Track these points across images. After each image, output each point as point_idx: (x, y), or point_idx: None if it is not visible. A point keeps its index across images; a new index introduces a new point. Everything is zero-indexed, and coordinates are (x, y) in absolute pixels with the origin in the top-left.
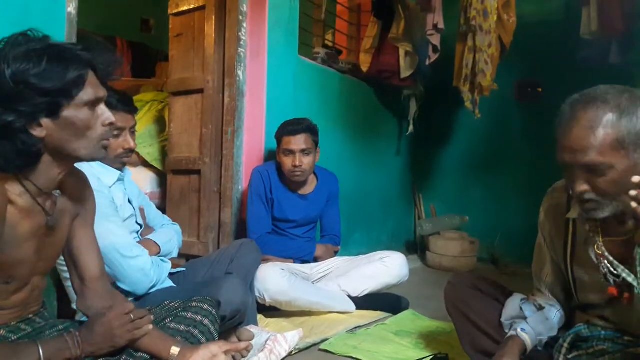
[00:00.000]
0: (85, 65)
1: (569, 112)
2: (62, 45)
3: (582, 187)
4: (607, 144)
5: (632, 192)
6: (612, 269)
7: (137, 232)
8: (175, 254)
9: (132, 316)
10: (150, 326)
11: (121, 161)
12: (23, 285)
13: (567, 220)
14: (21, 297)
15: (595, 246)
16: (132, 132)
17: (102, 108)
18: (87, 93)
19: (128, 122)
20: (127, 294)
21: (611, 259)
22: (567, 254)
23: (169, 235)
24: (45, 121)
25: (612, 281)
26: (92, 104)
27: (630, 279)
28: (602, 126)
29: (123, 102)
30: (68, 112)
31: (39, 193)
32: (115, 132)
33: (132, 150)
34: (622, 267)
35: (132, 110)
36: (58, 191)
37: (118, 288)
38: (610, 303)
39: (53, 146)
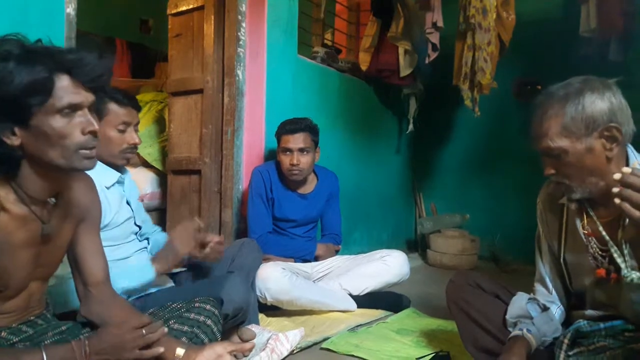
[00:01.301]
0: (56, 69)
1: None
2: (36, 47)
3: (549, 170)
4: (555, 132)
5: (615, 190)
6: (599, 249)
7: (136, 234)
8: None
9: (144, 331)
10: (162, 349)
11: (125, 156)
12: (19, 291)
13: (562, 207)
14: (18, 303)
15: (582, 225)
16: (136, 130)
17: (82, 114)
18: (59, 99)
19: (134, 118)
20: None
21: (607, 237)
22: (561, 239)
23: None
24: (17, 129)
25: (599, 261)
26: (68, 110)
27: (620, 260)
28: (549, 116)
29: (129, 98)
30: (37, 120)
31: (32, 201)
32: (121, 127)
33: (136, 146)
34: (615, 247)
35: (137, 106)
36: (53, 199)
37: None
38: (599, 285)
39: (31, 154)
